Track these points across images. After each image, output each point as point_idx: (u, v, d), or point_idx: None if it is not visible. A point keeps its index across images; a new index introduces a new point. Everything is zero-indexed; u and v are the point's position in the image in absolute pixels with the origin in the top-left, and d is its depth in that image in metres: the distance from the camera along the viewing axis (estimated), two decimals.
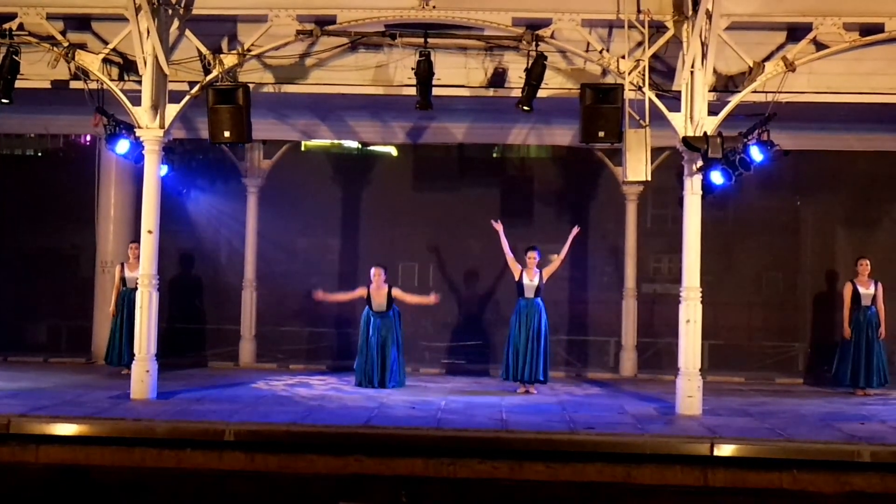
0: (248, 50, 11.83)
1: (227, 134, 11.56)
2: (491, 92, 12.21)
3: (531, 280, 13.09)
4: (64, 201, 16.86)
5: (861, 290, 13.88)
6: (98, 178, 15.37)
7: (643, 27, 11.38)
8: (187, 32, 11.81)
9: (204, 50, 11.85)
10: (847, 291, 14.02)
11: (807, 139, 14.26)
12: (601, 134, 11.26)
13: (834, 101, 11.95)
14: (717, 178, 11.30)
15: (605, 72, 11.86)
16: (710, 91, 11.47)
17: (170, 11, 11.66)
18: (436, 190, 16.97)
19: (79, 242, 17.05)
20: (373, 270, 13.65)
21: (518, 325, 13.08)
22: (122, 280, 14.10)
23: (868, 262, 13.96)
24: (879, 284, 13.94)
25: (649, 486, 9.36)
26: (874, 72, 11.75)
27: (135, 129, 11.82)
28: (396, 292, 13.63)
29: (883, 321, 13.89)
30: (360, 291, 13.65)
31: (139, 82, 11.69)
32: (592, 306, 16.90)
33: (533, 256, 13.11)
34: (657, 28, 11.50)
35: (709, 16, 10.97)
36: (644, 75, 11.37)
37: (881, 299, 13.89)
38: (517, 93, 11.75)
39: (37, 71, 11.96)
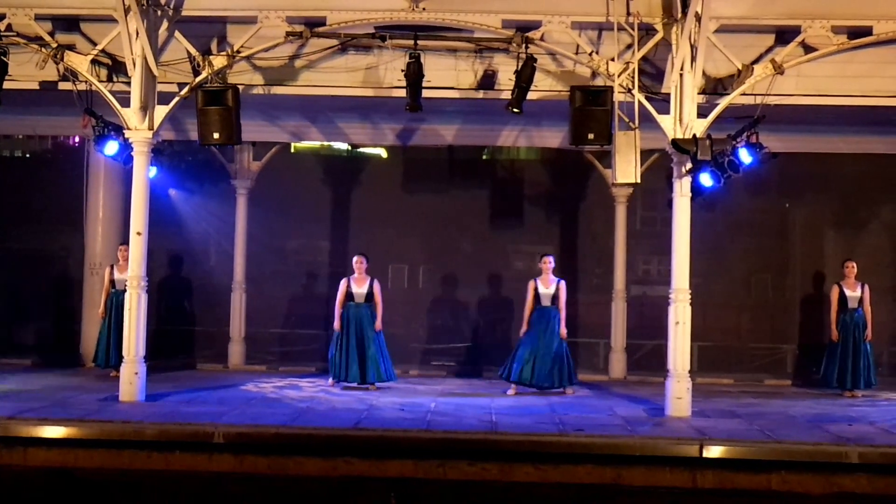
0: (238, 51, 11.80)
1: (216, 135, 11.54)
2: (481, 94, 12.22)
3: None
4: (52, 203, 16.81)
5: (847, 292, 13.92)
6: (86, 180, 15.28)
7: (633, 30, 11.38)
8: (176, 34, 11.78)
9: (193, 51, 11.82)
10: (833, 294, 14.06)
11: (795, 141, 14.28)
12: (591, 136, 11.28)
13: (822, 103, 12.01)
14: (706, 180, 11.34)
15: (594, 74, 11.87)
16: (699, 93, 11.51)
17: (159, 12, 11.63)
18: (426, 192, 16.95)
19: (67, 244, 16.98)
20: (355, 259, 13.52)
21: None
22: (112, 282, 14.06)
23: (854, 264, 14.01)
24: (866, 287, 13.98)
25: (639, 488, 9.38)
26: (862, 74, 11.79)
27: (123, 131, 11.78)
28: (377, 287, 13.48)
29: (870, 323, 13.93)
30: (343, 286, 13.52)
31: (128, 83, 11.66)
32: (582, 308, 16.86)
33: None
34: (647, 30, 11.51)
35: (698, 18, 10.99)
36: (633, 77, 11.38)
37: (868, 301, 13.92)
38: (507, 95, 11.77)
39: (25, 72, 11.92)
